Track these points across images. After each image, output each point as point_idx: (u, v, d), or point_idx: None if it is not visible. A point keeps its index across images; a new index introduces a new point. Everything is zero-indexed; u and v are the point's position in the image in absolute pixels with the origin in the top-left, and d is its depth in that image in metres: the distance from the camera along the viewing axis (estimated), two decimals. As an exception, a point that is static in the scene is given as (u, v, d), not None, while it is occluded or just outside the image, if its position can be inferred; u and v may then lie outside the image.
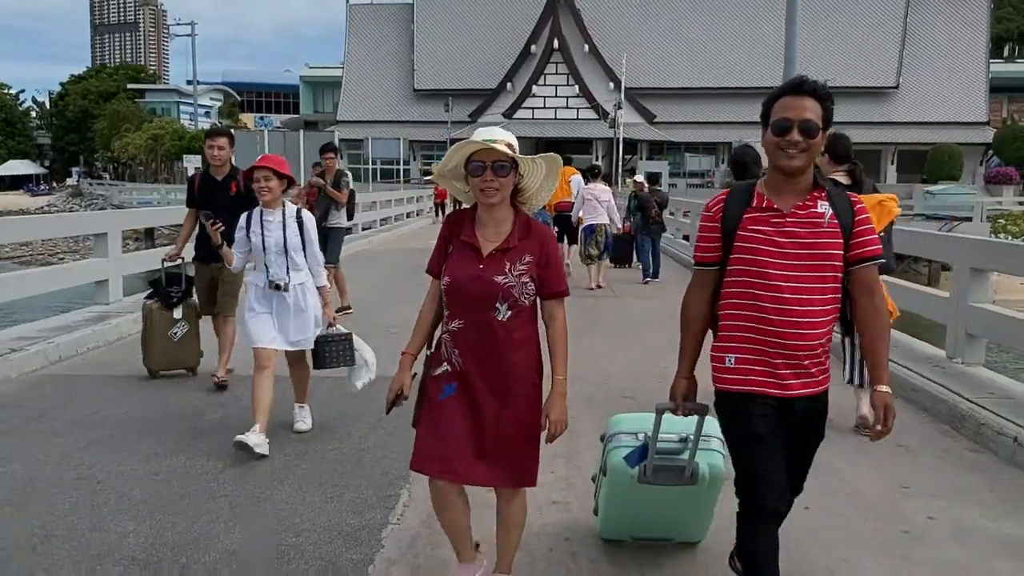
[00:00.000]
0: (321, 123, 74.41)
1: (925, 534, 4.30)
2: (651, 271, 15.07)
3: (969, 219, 38.52)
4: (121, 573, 3.81)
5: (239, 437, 5.19)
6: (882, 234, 5.64)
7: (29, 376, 7.56)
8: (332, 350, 5.70)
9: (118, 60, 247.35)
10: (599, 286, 13.93)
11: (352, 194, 11.42)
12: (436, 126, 66.09)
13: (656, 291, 13.73)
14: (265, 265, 5.59)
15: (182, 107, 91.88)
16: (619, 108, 56.11)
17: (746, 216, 3.07)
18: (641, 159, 62.32)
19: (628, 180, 16.93)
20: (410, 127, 68.58)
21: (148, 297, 7.66)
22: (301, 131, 46.97)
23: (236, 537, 4.19)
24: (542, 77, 67.23)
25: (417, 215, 36.72)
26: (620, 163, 58.64)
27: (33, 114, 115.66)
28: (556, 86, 67.22)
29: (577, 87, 66.72)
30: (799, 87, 3.01)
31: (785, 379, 3.00)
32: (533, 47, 67.73)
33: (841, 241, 3.01)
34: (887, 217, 6.15)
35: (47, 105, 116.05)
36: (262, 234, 5.56)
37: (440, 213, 36.50)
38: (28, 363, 7.74)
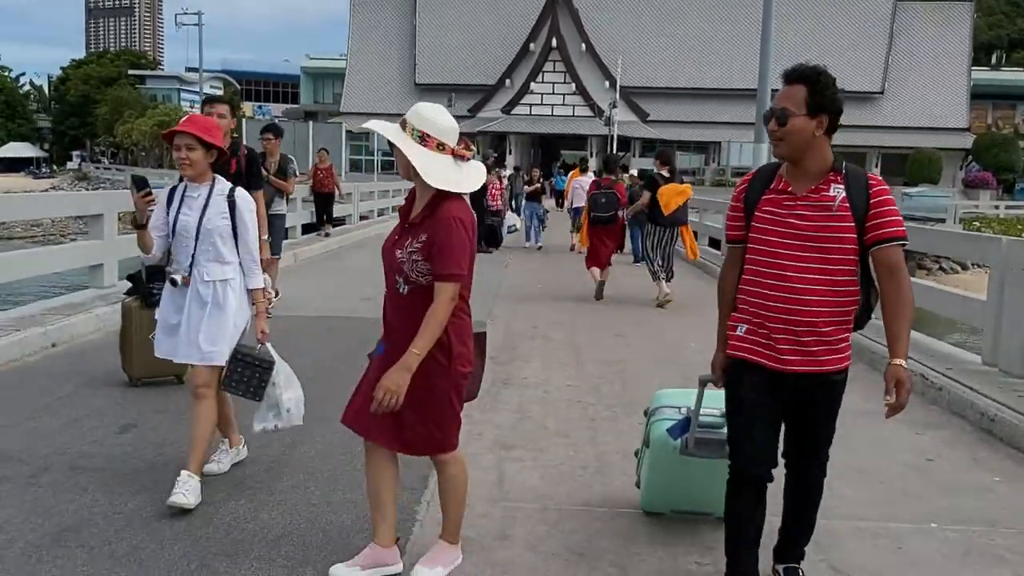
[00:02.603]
0: (321, 114, 75.99)
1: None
2: (639, 255, 17.24)
3: (943, 220, 40.72)
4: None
5: (170, 500, 4.14)
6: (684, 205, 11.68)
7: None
8: (238, 372, 4.42)
9: (112, 44, 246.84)
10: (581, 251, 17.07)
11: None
12: (436, 119, 67.82)
13: (643, 271, 15.92)
14: (169, 253, 4.56)
15: (183, 94, 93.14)
16: (614, 107, 57.80)
17: (764, 197, 3.23)
18: (634, 156, 64.17)
19: (624, 176, 19.59)
20: (411, 120, 70.28)
21: (127, 293, 6.66)
22: (310, 122, 49.03)
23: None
24: (540, 75, 68.88)
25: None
26: (614, 160, 60.51)
27: (31, 97, 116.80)
28: (553, 84, 68.95)
29: (574, 85, 68.37)
30: (786, 76, 3.15)
31: (783, 353, 3.14)
32: (532, 45, 69.42)
33: (852, 224, 3.09)
34: (683, 196, 11.71)
35: (45, 88, 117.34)
36: (177, 213, 4.43)
37: None
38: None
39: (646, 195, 11.84)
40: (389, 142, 3.29)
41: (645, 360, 8.00)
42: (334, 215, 20.58)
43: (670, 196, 11.51)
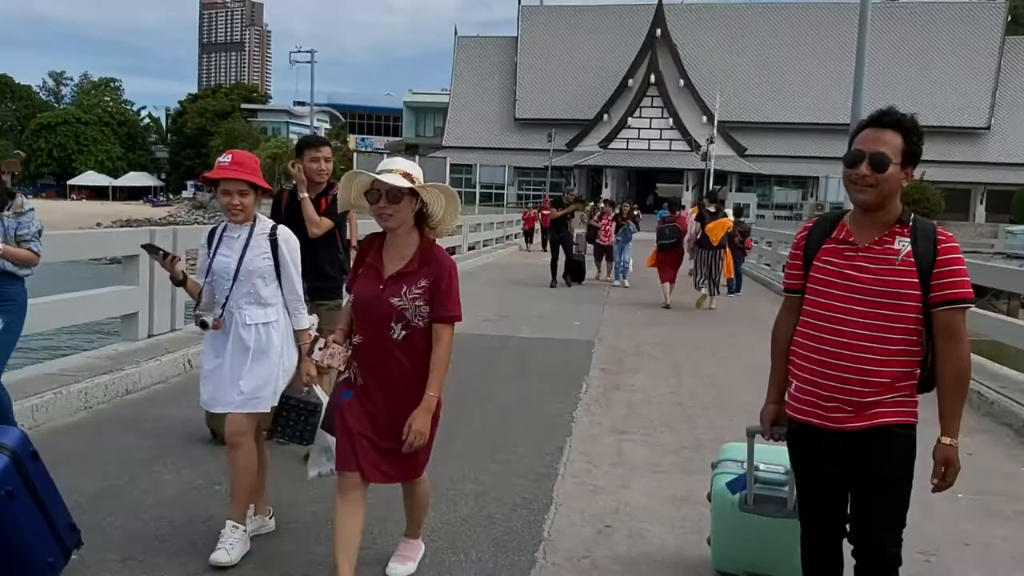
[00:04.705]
0: (423, 147, 78.59)
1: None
2: (735, 286, 18.43)
3: (1048, 258, 40.37)
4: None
5: (212, 557, 4.01)
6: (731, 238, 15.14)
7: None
8: (283, 417, 4.23)
9: (223, 78, 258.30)
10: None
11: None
12: (536, 154, 69.86)
13: (736, 300, 17.24)
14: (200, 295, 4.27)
15: (291, 127, 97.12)
16: (711, 142, 58.58)
17: (824, 246, 3.03)
18: (731, 191, 64.65)
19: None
20: (511, 154, 72.55)
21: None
22: (416, 156, 51.24)
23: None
24: (638, 109, 70.45)
25: (506, 239, 34.73)
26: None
27: (150, 129, 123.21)
28: (651, 118, 70.36)
29: (671, 119, 69.64)
30: (879, 119, 2.91)
31: (831, 412, 2.95)
32: (630, 81, 70.94)
33: (916, 281, 2.86)
34: (723, 228, 14.86)
35: (162, 121, 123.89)
36: (215, 254, 4.22)
37: (529, 241, 34.29)
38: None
39: (696, 225, 15.11)
40: (411, 189, 3.40)
41: (737, 374, 9.22)
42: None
43: (715, 229, 14.85)
